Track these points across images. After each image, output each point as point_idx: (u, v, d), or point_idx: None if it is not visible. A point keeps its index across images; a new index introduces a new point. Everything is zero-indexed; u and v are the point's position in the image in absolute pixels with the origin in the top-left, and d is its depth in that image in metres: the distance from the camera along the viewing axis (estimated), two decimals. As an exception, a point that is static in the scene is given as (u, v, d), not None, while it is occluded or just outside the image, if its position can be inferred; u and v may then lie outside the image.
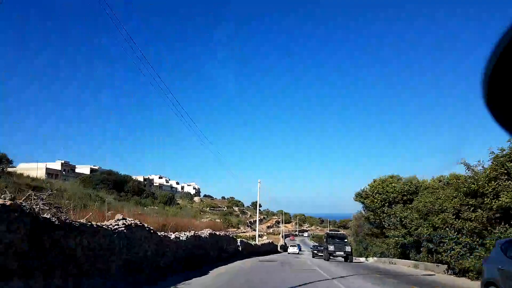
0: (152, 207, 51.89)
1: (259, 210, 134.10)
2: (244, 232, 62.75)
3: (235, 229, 59.17)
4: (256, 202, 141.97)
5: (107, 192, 48.69)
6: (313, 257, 33.54)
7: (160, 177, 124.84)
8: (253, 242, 32.96)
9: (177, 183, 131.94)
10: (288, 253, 46.92)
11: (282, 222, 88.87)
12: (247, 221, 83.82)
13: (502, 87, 1.11)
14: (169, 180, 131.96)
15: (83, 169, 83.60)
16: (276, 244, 51.90)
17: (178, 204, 66.11)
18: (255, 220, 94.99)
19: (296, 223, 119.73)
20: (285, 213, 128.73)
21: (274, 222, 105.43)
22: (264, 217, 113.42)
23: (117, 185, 60.99)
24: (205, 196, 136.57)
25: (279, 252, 47.74)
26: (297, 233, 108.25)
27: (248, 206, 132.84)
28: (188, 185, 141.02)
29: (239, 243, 23.25)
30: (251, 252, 27.95)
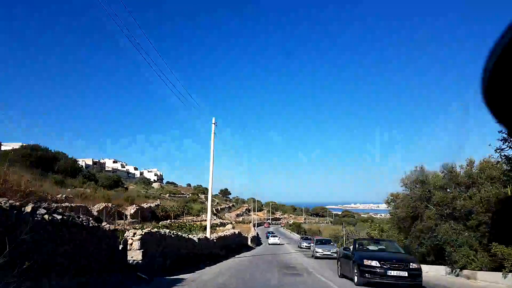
0: (82, 188, 39.36)
1: (228, 198, 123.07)
2: (206, 220, 51.04)
3: (193, 217, 47.50)
4: (225, 189, 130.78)
5: (27, 169, 36.37)
6: (340, 276, 13.23)
7: (115, 161, 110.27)
8: (202, 234, 21.24)
9: (136, 169, 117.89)
10: (269, 244, 44.33)
11: (255, 210, 78.08)
12: (213, 208, 72.20)
13: (501, 86, 1.10)
14: (126, 165, 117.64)
15: (12, 146, 68.57)
16: (246, 235, 40.57)
17: (125, 188, 53.41)
18: (222, 208, 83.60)
19: (268, 211, 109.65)
20: (256, 201, 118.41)
21: (244, 210, 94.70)
22: (233, 205, 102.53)
23: (44, 163, 48.04)
24: (168, 183, 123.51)
25: (251, 248, 36.35)
26: (269, 221, 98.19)
27: (216, 194, 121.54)
28: (149, 171, 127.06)
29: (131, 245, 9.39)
30: (185, 264, 13.98)
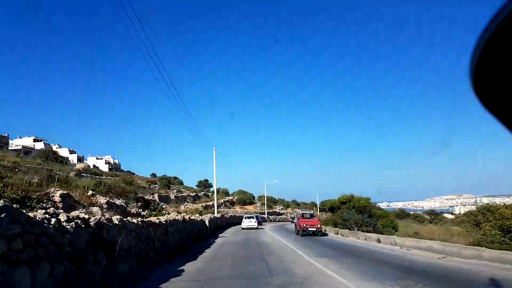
0: None
1: (207, 189, 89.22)
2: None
3: None
4: (204, 180, 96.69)
5: None
6: None
7: (36, 140, 76.17)
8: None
9: (72, 152, 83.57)
10: (243, 229, 36.18)
11: (222, 195, 43.97)
12: (162, 194, 38.68)
13: (489, 74, 1.09)
14: (60, 146, 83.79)
15: None
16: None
17: None
18: (182, 196, 49.69)
19: (263, 203, 75.93)
20: (244, 192, 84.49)
21: (222, 202, 61.34)
22: (206, 194, 68.54)
23: None
24: (121, 170, 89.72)
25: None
26: (265, 216, 64.62)
27: (194, 186, 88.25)
28: (98, 159, 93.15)
29: None
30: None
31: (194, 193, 60.22)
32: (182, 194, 49.75)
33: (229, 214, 43.94)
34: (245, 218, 38.74)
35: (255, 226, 36.85)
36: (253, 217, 38.77)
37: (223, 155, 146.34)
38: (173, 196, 45.15)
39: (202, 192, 66.94)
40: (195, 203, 49.14)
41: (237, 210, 59.82)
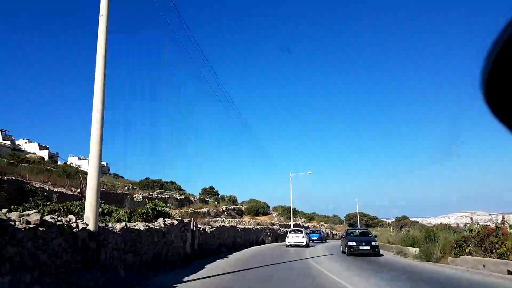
0: None
1: (209, 196, 71.42)
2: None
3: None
4: (210, 187, 79.42)
5: None
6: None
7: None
8: None
9: (44, 148, 68.39)
10: (287, 246, 28.99)
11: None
12: (115, 192, 21.40)
13: (502, 81, 1.02)
14: (30, 141, 68.82)
15: None
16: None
17: None
18: (162, 197, 32.76)
19: (280, 214, 58.81)
20: (256, 201, 67.19)
21: (224, 208, 44.44)
22: (203, 200, 51.66)
23: None
24: (114, 175, 74.95)
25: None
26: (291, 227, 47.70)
27: (197, 194, 71.79)
28: (80, 159, 77.55)
29: None
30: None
31: (183, 196, 43.24)
32: (162, 196, 33.01)
33: (219, 224, 26.04)
34: (290, 232, 30.74)
35: (304, 243, 28.84)
36: (301, 231, 30.85)
37: (233, 159, 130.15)
38: (140, 196, 28.33)
39: (198, 197, 50.00)
40: (181, 208, 32.29)
41: (246, 220, 42.81)
